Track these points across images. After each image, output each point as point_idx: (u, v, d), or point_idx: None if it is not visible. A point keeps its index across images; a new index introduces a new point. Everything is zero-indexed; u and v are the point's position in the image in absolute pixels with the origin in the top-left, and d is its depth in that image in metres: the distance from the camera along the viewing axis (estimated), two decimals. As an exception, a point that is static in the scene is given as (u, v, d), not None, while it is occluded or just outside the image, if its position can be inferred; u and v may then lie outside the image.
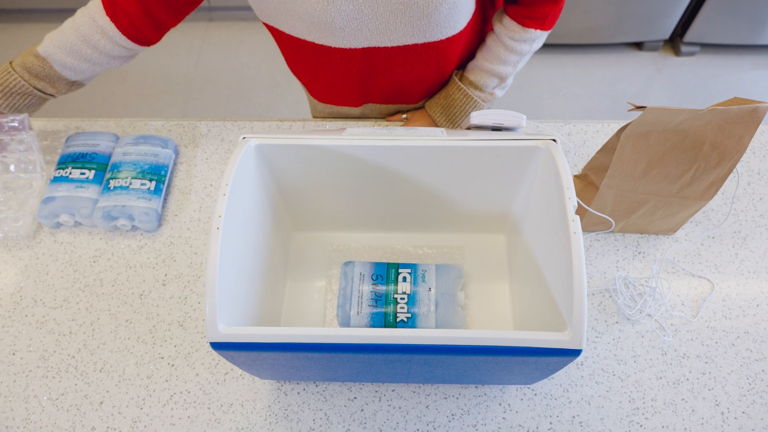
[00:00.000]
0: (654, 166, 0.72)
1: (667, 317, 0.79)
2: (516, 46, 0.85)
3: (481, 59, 0.89)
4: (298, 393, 0.74)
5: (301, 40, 0.81)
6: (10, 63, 0.84)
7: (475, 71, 0.90)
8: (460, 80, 0.91)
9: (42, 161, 0.89)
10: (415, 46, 0.81)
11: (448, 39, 0.81)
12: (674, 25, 2.01)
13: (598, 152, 0.76)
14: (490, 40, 0.88)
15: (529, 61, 0.89)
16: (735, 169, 0.73)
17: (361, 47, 0.80)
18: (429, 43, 0.81)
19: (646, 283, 0.81)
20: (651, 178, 0.74)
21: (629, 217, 0.81)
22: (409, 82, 0.90)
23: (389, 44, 0.80)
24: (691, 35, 2.04)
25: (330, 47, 0.80)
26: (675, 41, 2.14)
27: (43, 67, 0.83)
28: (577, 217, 0.55)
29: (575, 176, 0.83)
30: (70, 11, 0.84)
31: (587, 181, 0.80)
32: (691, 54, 2.13)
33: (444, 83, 0.94)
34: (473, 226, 0.82)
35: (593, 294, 0.81)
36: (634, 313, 0.78)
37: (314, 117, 1.12)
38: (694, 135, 0.68)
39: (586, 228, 0.84)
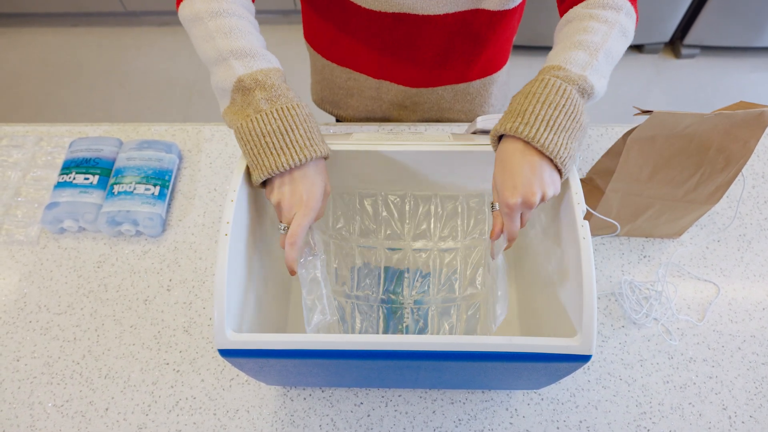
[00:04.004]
0: (660, 170, 0.72)
1: (673, 321, 0.79)
2: (594, 12, 0.63)
3: (556, 47, 0.64)
4: (305, 399, 0.74)
5: None
6: (278, 108, 0.58)
7: (550, 57, 0.62)
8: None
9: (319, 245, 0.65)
10: (458, 14, 0.76)
11: (501, 12, 0.76)
12: (674, 28, 2.01)
13: (603, 156, 0.76)
14: (560, 34, 0.66)
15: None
16: (740, 173, 0.73)
17: (392, 11, 0.76)
18: (476, 10, 0.76)
19: (652, 286, 0.81)
20: (657, 182, 0.74)
21: (635, 221, 0.81)
22: (432, 61, 0.86)
23: (427, 11, 0.75)
24: (691, 38, 2.05)
25: (359, 6, 0.76)
26: (675, 44, 2.15)
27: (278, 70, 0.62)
28: (587, 222, 0.55)
29: (580, 180, 0.83)
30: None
31: (592, 185, 0.80)
32: (691, 57, 2.14)
33: (466, 72, 0.90)
34: (480, 231, 0.82)
35: (599, 298, 0.81)
36: (640, 317, 0.78)
37: (314, 99, 1.08)
38: (700, 139, 0.68)
39: (592, 232, 0.84)
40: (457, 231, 0.80)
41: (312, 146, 0.58)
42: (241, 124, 0.57)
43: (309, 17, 0.92)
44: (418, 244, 0.79)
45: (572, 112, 0.56)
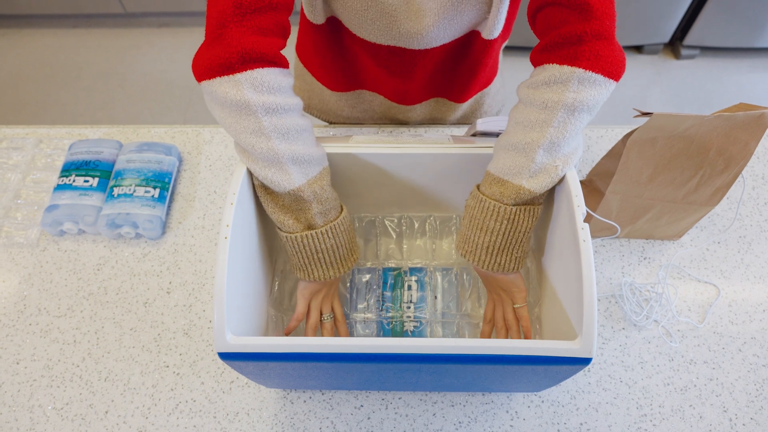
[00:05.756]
0: (660, 171, 0.72)
1: (674, 323, 0.79)
2: (535, 95, 0.59)
3: (500, 140, 0.64)
4: (305, 401, 0.74)
5: (330, 20, 0.77)
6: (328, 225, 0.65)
7: (495, 154, 0.64)
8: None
9: None
10: (455, 41, 0.76)
11: (488, 41, 0.77)
12: (674, 28, 2.01)
13: (603, 158, 0.76)
14: (509, 116, 0.65)
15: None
16: (741, 175, 0.73)
17: (387, 44, 0.76)
18: (471, 33, 0.76)
19: (652, 288, 0.81)
20: (657, 184, 0.74)
21: (635, 222, 0.81)
22: (428, 83, 0.87)
23: (424, 46, 0.75)
24: (690, 39, 2.05)
25: (354, 35, 0.76)
26: (675, 45, 2.15)
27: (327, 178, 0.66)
28: (587, 225, 0.55)
29: (580, 182, 0.83)
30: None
31: (592, 187, 0.80)
32: (691, 57, 2.14)
33: (463, 91, 0.91)
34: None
35: (599, 300, 0.80)
36: (641, 319, 0.78)
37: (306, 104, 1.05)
38: (700, 141, 0.68)
39: (592, 234, 0.84)
40: (452, 250, 0.80)
41: (352, 256, 0.69)
42: (296, 237, 0.64)
43: (305, 34, 0.90)
44: (416, 262, 0.79)
45: (509, 230, 0.63)
